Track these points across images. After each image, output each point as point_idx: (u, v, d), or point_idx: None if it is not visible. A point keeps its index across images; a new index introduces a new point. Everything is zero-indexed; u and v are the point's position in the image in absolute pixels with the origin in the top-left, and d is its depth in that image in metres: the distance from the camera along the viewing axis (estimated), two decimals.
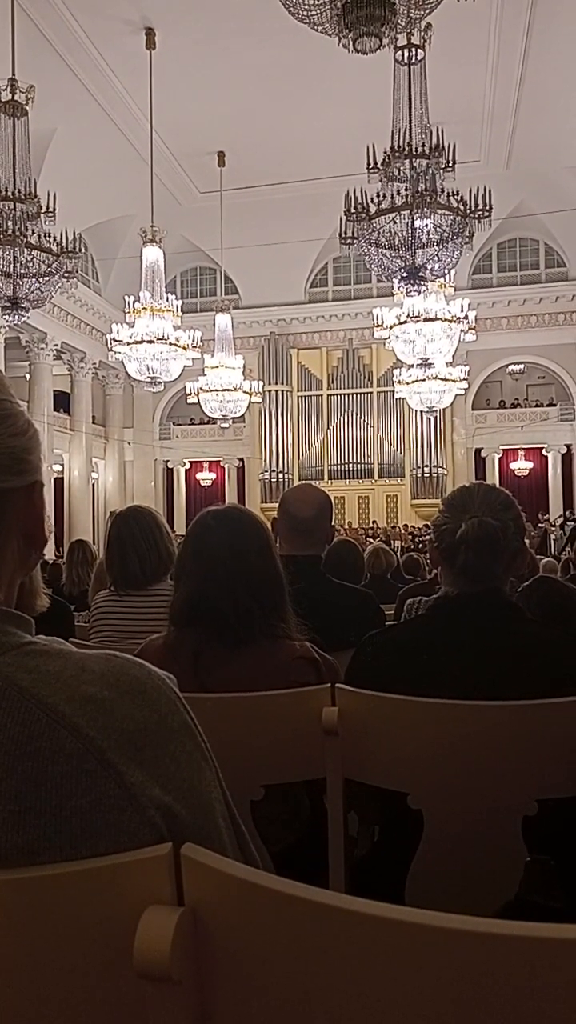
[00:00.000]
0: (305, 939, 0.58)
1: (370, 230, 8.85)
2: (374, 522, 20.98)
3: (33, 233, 9.29)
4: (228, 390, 16.02)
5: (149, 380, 13.18)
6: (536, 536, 17.00)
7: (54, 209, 9.25)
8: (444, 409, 17.52)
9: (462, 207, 8.79)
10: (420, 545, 15.56)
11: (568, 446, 21.54)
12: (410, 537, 18.76)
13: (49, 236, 9.46)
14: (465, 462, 21.87)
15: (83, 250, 15.54)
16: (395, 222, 8.79)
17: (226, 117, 15.66)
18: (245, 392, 16.26)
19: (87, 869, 0.61)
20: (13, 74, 9.44)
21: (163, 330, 12.72)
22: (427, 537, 14.05)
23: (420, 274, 9.04)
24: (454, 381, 14.56)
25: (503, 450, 22.18)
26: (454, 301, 12.40)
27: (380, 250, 8.98)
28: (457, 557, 1.58)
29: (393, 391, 16.87)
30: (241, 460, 23.22)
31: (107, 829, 0.63)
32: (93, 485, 21.78)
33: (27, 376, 18.79)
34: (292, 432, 22.29)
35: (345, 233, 9.06)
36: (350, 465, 21.89)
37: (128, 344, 12.87)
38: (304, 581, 1.88)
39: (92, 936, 0.61)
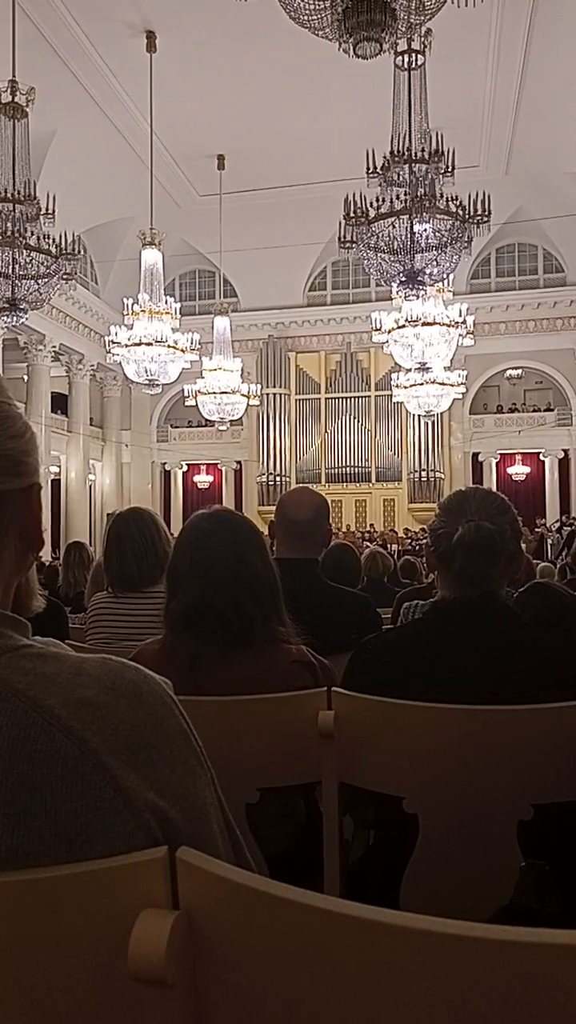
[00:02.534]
0: (300, 943, 0.58)
1: (369, 234, 8.86)
2: (371, 526, 20.97)
3: (32, 235, 9.29)
4: (226, 393, 16.01)
5: (147, 382, 13.18)
6: (533, 541, 17.01)
7: (53, 211, 9.26)
8: (442, 413, 17.49)
9: (461, 212, 8.81)
10: (417, 549, 15.56)
11: (565, 451, 21.53)
12: (407, 541, 18.75)
13: (48, 238, 9.46)
14: (462, 466, 21.86)
15: (82, 252, 15.51)
16: (394, 226, 8.80)
17: (226, 120, 15.68)
18: (243, 395, 16.25)
19: (82, 872, 0.61)
20: (14, 76, 9.44)
21: (161, 332, 12.72)
22: (424, 541, 14.03)
23: (419, 278, 9.05)
24: (452, 385, 14.55)
25: (500, 455, 22.16)
26: (452, 306, 12.40)
27: (379, 254, 8.99)
28: (453, 561, 1.58)
29: (391, 395, 16.84)
30: (239, 463, 23.20)
31: (102, 832, 0.63)
32: (90, 487, 21.74)
33: (25, 377, 18.76)
34: (290, 435, 22.27)
35: (344, 237, 9.06)
36: (347, 469, 21.86)
37: (126, 346, 12.86)
38: (301, 584, 1.88)
39: (87, 939, 0.61)
